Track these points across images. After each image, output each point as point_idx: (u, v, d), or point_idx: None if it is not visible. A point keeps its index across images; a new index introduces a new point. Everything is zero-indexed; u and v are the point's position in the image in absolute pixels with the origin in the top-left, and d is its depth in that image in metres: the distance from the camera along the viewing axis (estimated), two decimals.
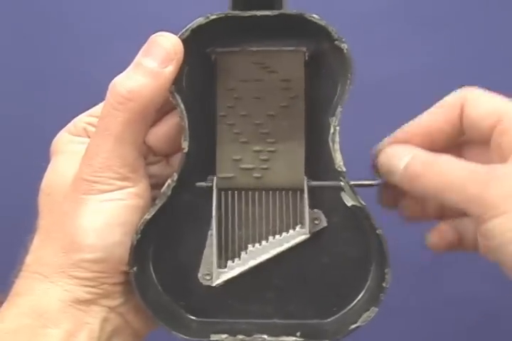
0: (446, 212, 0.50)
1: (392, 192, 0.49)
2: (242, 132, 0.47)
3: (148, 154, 0.48)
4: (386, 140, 0.48)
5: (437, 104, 0.48)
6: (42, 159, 0.47)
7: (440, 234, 0.49)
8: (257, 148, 0.47)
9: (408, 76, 0.92)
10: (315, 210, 0.47)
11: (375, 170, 0.48)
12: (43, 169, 0.46)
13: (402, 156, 0.45)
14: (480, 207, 0.41)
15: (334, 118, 0.45)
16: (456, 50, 0.94)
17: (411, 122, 0.48)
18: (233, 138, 0.47)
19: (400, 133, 0.48)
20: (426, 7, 0.95)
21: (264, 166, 0.47)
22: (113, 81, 0.44)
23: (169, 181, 0.46)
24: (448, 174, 0.43)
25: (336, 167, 0.45)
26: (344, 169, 0.45)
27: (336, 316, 0.47)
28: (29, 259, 0.45)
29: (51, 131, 0.48)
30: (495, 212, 0.41)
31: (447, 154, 0.44)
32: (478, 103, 0.46)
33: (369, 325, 0.45)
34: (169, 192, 0.45)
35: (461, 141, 0.49)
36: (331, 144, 0.45)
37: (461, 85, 0.47)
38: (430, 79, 0.91)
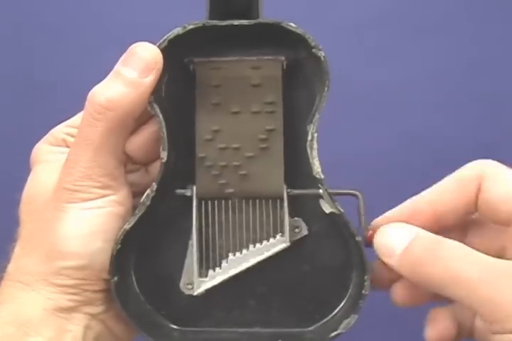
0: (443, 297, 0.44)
1: (387, 273, 0.45)
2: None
3: (127, 162, 0.48)
4: (385, 215, 0.45)
5: (449, 178, 0.44)
6: (23, 168, 0.47)
7: (438, 326, 0.45)
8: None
9: (398, 82, 0.92)
10: (295, 218, 0.47)
11: (369, 244, 0.44)
12: (24, 179, 0.47)
13: (402, 237, 0.41)
14: (493, 314, 0.37)
15: (312, 126, 0.45)
16: (449, 57, 0.94)
17: (417, 196, 0.44)
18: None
19: (403, 207, 0.44)
20: (418, 14, 0.95)
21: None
22: (92, 90, 0.44)
23: (148, 191, 0.46)
24: (455, 264, 0.38)
25: (314, 174, 0.45)
26: (322, 176, 0.45)
27: (318, 324, 0.47)
28: (11, 268, 0.45)
29: (32, 140, 0.48)
30: (509, 323, 0.37)
31: (452, 236, 0.41)
32: (499, 181, 0.42)
33: (354, 330, 0.45)
34: (148, 202, 0.45)
35: (467, 219, 0.45)
36: (309, 151, 0.45)
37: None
38: (419, 86, 0.92)
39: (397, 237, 0.42)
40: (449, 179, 0.44)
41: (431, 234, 0.41)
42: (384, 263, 0.44)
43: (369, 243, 0.44)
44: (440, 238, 0.41)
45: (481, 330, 0.45)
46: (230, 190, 0.47)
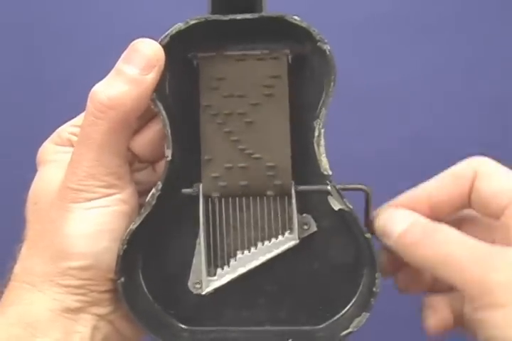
0: (440, 284, 0.47)
1: (389, 259, 0.47)
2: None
3: (134, 161, 0.48)
4: (387, 204, 0.47)
5: (446, 172, 0.46)
6: (29, 168, 0.47)
7: (437, 315, 0.46)
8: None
9: (400, 83, 0.92)
10: (304, 215, 0.47)
11: (371, 230, 0.46)
12: (30, 179, 0.46)
13: (401, 220, 0.44)
14: (477, 291, 0.39)
15: (319, 121, 0.44)
16: (451, 58, 0.93)
17: (415, 188, 0.46)
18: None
19: (402, 197, 0.46)
20: (421, 14, 0.94)
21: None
22: (93, 88, 0.43)
23: (153, 190, 0.45)
24: (447, 246, 0.41)
25: (322, 170, 0.45)
26: (330, 172, 0.45)
27: (329, 322, 0.47)
28: (17, 269, 0.45)
29: (39, 140, 0.48)
30: (493, 301, 0.38)
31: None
32: (491, 178, 0.44)
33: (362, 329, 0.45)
34: (154, 202, 0.45)
35: (462, 215, 0.47)
36: (316, 147, 0.45)
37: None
38: (422, 87, 0.91)
39: (397, 220, 0.44)
40: (445, 173, 0.46)
41: (428, 220, 0.44)
42: (387, 252, 0.46)
43: (372, 230, 0.46)
44: (436, 223, 0.43)
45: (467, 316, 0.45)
46: (235, 138, 0.46)
